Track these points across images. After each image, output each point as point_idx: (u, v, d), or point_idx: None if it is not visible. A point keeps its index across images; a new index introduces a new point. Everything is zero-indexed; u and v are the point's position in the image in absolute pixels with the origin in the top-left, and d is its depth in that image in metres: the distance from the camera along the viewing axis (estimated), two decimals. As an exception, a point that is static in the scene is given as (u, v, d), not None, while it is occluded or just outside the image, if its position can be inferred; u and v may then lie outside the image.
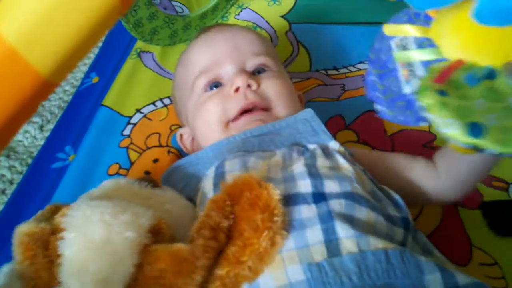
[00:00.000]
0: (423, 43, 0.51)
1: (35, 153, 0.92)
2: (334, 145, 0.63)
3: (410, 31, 0.52)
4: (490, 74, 0.45)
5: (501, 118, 0.43)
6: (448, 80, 0.44)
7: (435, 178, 0.64)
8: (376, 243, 0.49)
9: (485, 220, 0.72)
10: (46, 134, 0.95)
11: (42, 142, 0.95)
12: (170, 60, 1.02)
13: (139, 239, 0.47)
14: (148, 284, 0.46)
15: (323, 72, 0.97)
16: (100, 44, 1.11)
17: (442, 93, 0.43)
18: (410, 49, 0.51)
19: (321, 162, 0.58)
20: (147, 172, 0.82)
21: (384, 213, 0.54)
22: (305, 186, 0.54)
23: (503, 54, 0.44)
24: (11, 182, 0.89)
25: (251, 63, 0.75)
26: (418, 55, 0.50)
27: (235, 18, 1.10)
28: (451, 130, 0.41)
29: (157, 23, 0.99)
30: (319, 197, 0.53)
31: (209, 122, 0.72)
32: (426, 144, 0.81)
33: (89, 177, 0.83)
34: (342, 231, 0.49)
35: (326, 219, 0.50)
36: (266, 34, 1.05)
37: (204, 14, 1.08)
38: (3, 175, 0.90)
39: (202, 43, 0.79)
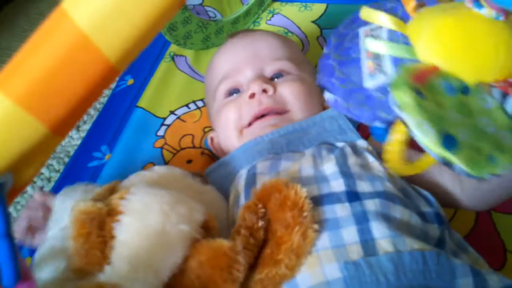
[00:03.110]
0: (398, 39, 0.48)
1: (71, 152, 0.94)
2: (362, 143, 0.63)
3: (387, 21, 0.49)
4: (465, 89, 0.43)
5: (473, 137, 0.41)
6: (426, 83, 0.42)
7: (461, 189, 0.63)
8: (412, 244, 0.49)
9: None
10: (83, 134, 0.97)
11: (78, 142, 0.97)
12: (202, 64, 1.04)
13: (192, 233, 0.48)
14: (190, 277, 0.47)
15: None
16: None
17: (419, 94, 0.41)
18: (382, 40, 0.49)
19: (352, 161, 0.58)
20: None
21: (417, 211, 0.54)
22: (338, 185, 0.54)
23: (478, 73, 0.43)
24: (49, 180, 0.91)
25: (270, 69, 0.75)
26: (391, 50, 0.47)
27: (266, 24, 1.12)
28: (424, 136, 0.39)
29: (190, 27, 1.01)
30: (353, 196, 0.53)
31: (226, 128, 0.74)
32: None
33: (124, 175, 0.83)
34: (378, 231, 0.50)
35: (362, 219, 0.51)
36: (297, 40, 1.06)
37: (236, 19, 1.09)
38: (41, 173, 0.92)
39: (226, 50, 0.81)
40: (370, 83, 0.48)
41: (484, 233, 0.71)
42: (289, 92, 0.72)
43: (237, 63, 0.77)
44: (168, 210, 0.47)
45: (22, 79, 0.32)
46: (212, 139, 0.82)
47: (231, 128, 0.73)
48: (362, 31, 0.52)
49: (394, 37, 0.49)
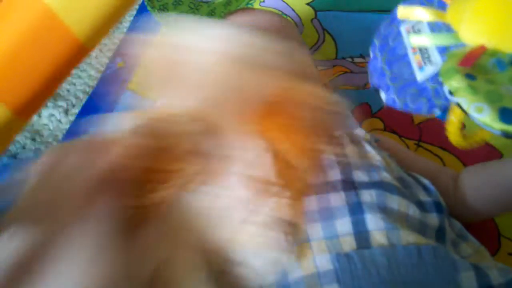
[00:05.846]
0: (440, 29, 0.49)
1: (60, 137, 0.93)
2: (360, 132, 0.62)
3: (424, 14, 0.50)
4: None
5: None
6: (475, 64, 0.43)
7: (450, 200, 0.61)
8: (407, 237, 0.48)
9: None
10: (71, 118, 0.96)
11: (67, 126, 0.95)
12: (194, 46, 1.02)
13: None
14: None
15: (350, 59, 0.96)
16: (124, 30, 1.11)
17: (469, 76, 0.42)
18: (424, 34, 0.50)
19: (349, 150, 0.57)
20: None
21: (416, 200, 0.53)
22: (334, 174, 0.53)
23: None
24: (36, 165, 0.90)
25: None
26: (435, 40, 0.49)
27: (260, 6, 1.09)
28: (481, 115, 0.40)
29: (182, 9, 0.99)
30: (348, 185, 0.52)
31: None
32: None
33: None
34: (372, 223, 0.48)
35: (356, 210, 0.49)
36: (292, 22, 1.04)
37: (229, 1, 1.07)
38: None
39: None
40: (421, 76, 0.49)
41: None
42: None
43: None
44: None
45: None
46: None
47: None
48: (403, 28, 0.53)
49: (436, 28, 0.50)
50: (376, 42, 0.56)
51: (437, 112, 0.48)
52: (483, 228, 0.68)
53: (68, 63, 0.31)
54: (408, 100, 0.50)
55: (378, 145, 0.61)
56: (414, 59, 0.50)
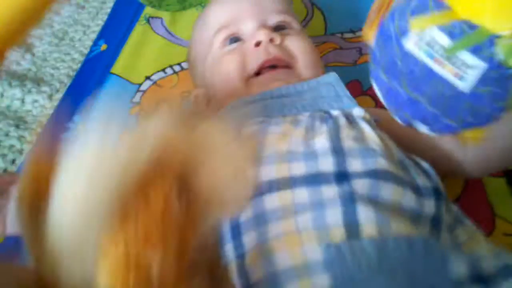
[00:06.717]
0: (455, 29, 0.43)
1: (44, 123, 0.90)
2: (358, 111, 0.59)
3: (439, 19, 0.44)
4: None
5: None
6: None
7: (462, 156, 0.60)
8: (399, 228, 0.46)
9: (510, 188, 0.68)
10: (55, 103, 0.93)
11: (51, 112, 0.93)
12: (180, 26, 0.99)
13: None
14: None
15: (339, 35, 0.93)
16: (108, 10, 1.08)
17: None
18: (442, 42, 0.44)
19: (345, 133, 0.54)
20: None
21: (412, 186, 0.51)
22: (327, 164, 0.51)
23: None
24: (20, 152, 0.87)
25: (273, 20, 0.72)
26: (465, 43, 0.43)
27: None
28: None
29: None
30: (341, 176, 0.50)
31: (227, 78, 0.69)
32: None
33: None
34: (363, 215, 0.47)
35: (348, 201, 0.48)
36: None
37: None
38: (12, 146, 0.88)
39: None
40: (466, 85, 0.44)
41: (474, 197, 0.69)
42: (296, 46, 0.69)
43: (238, 12, 0.72)
44: None
45: None
46: (196, 96, 0.77)
47: (234, 78, 0.68)
48: (410, 44, 0.46)
49: (448, 31, 0.44)
50: (377, 70, 0.51)
51: (499, 117, 0.45)
52: (478, 209, 0.67)
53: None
54: (464, 118, 0.46)
55: (377, 125, 0.59)
56: (447, 71, 0.45)
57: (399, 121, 0.51)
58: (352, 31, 0.93)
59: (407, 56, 0.46)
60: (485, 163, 0.61)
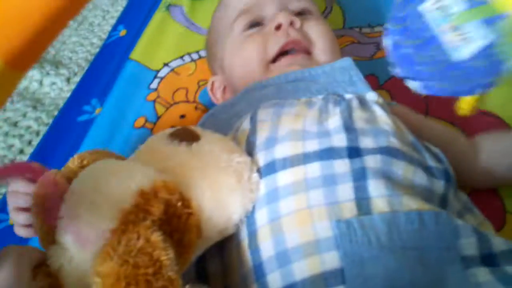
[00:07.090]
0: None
1: (61, 105, 0.92)
2: (372, 95, 0.59)
3: None
4: None
5: None
6: None
7: (471, 163, 0.61)
8: (410, 204, 0.47)
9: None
10: (73, 86, 0.94)
11: (68, 95, 0.94)
12: (199, 14, 1.00)
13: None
14: None
15: (357, 30, 0.93)
16: (128, -3, 1.09)
17: None
18: (453, 10, 0.45)
19: (358, 114, 0.55)
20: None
21: (424, 165, 0.52)
22: (339, 140, 0.51)
23: None
24: (37, 134, 0.89)
25: (295, 5, 0.73)
26: (478, 14, 0.44)
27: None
28: None
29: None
30: (353, 151, 0.50)
31: (248, 63, 0.70)
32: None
33: (115, 130, 0.83)
34: (375, 190, 0.47)
35: (359, 176, 0.48)
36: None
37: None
38: (29, 127, 0.90)
39: None
40: (462, 55, 0.45)
41: (484, 193, 0.69)
42: (315, 31, 0.70)
43: None
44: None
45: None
46: (213, 83, 0.78)
47: (255, 63, 0.69)
48: (423, 8, 0.48)
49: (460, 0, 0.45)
50: (393, 27, 0.53)
51: (479, 92, 0.46)
52: (489, 205, 0.67)
53: (61, 13, 0.29)
54: (448, 84, 0.47)
55: (391, 109, 0.59)
56: (450, 39, 0.46)
57: (397, 73, 0.53)
58: (371, 26, 0.93)
59: (419, 18, 0.47)
60: (491, 175, 0.61)
